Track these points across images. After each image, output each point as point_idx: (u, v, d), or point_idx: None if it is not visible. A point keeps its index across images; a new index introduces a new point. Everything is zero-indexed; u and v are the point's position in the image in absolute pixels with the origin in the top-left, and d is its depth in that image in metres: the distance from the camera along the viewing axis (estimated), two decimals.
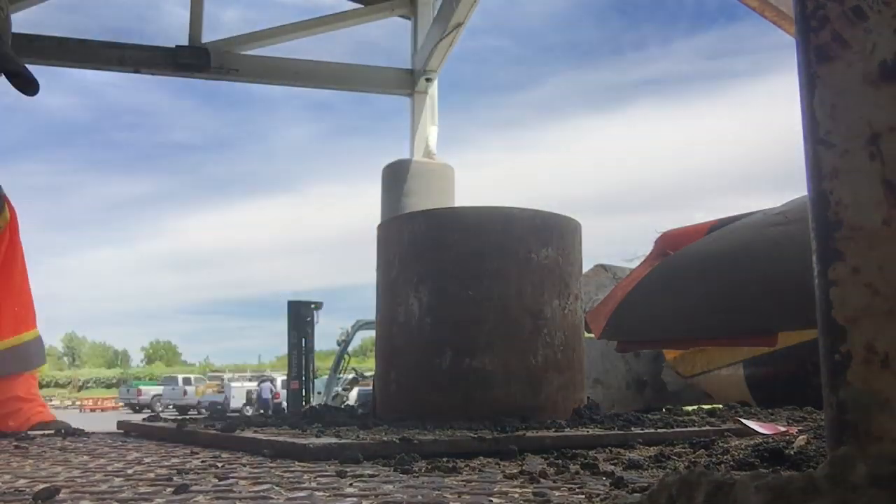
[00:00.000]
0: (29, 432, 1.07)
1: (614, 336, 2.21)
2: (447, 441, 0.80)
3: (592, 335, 2.27)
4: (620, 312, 2.12)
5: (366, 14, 4.57)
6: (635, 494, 0.52)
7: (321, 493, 0.56)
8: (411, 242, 1.07)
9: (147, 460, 0.77)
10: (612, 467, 0.70)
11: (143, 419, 1.28)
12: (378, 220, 1.32)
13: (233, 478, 0.63)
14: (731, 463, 0.71)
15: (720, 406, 1.47)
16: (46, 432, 1.11)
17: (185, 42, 3.61)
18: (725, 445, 0.85)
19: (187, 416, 1.47)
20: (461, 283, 1.03)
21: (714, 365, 2.45)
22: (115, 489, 0.59)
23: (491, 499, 0.54)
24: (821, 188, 0.43)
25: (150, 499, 0.54)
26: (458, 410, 1.01)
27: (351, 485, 0.60)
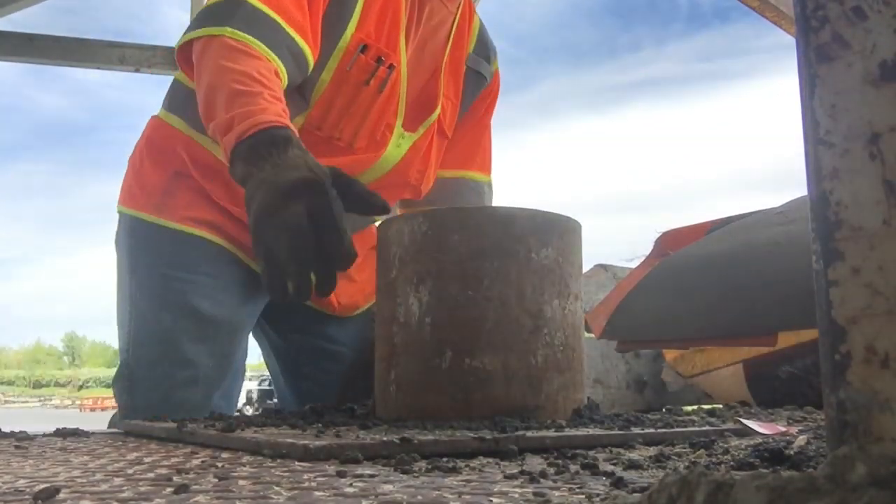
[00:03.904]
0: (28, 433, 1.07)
1: (614, 336, 2.21)
2: (447, 441, 0.80)
3: (592, 335, 2.27)
4: (620, 312, 2.11)
5: None
6: (635, 494, 0.52)
7: (321, 493, 0.56)
8: (411, 242, 1.07)
9: (147, 460, 0.77)
10: (612, 467, 0.70)
11: (143, 419, 1.28)
12: (378, 220, 1.31)
13: (233, 478, 0.63)
14: (731, 463, 0.71)
15: (720, 406, 1.47)
16: (47, 432, 1.11)
17: None
18: (725, 445, 0.85)
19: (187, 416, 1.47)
20: (461, 283, 1.03)
21: (714, 365, 2.45)
22: (116, 489, 0.59)
23: (491, 499, 0.54)
24: (821, 188, 0.43)
25: (150, 498, 0.54)
26: (458, 410, 1.00)
27: (351, 485, 0.60)
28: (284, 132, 1.15)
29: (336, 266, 1.06)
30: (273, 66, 1.31)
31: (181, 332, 1.48)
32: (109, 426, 1.45)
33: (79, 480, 0.63)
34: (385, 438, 0.80)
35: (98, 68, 3.66)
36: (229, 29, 1.29)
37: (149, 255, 1.54)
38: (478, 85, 1.75)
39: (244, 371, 1.64)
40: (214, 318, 1.50)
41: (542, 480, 0.62)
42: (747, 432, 0.98)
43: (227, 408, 1.54)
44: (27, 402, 51.41)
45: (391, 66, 1.50)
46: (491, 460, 0.77)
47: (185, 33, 1.40)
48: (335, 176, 1.11)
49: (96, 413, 34.32)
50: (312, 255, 1.03)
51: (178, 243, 1.52)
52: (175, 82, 1.62)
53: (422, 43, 1.59)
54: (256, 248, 1.08)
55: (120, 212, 1.61)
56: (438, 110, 1.60)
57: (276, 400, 1.86)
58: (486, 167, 1.82)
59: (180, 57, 1.44)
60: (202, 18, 1.37)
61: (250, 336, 1.71)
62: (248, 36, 1.29)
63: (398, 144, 1.56)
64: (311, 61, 1.41)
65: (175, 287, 1.50)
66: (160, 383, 1.46)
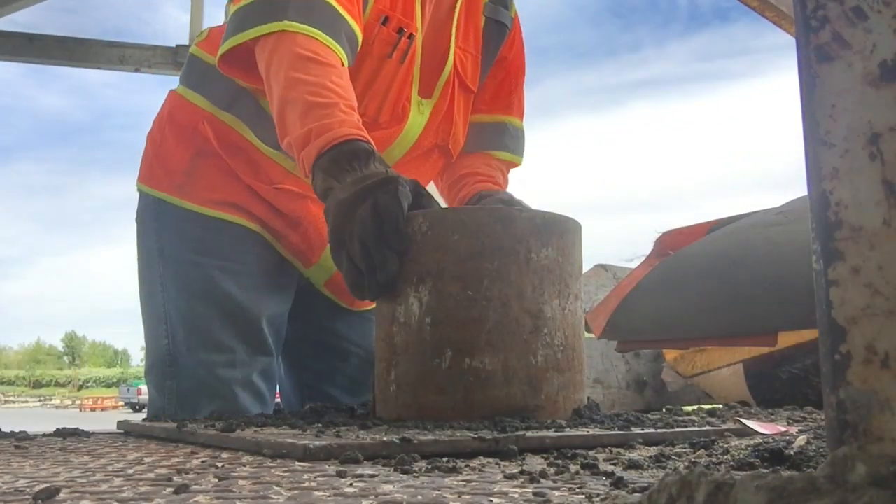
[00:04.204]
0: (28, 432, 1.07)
1: (614, 336, 2.21)
2: (447, 441, 0.80)
3: (592, 335, 2.27)
4: (620, 312, 2.12)
5: None
6: (635, 494, 0.52)
7: (321, 493, 0.56)
8: (411, 242, 1.07)
9: (147, 460, 0.77)
10: (612, 467, 0.70)
11: (143, 419, 1.28)
12: None
13: (233, 478, 0.63)
14: (731, 463, 0.71)
15: (720, 406, 1.47)
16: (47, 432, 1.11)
17: (185, 42, 3.60)
18: (725, 445, 0.85)
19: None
20: (461, 283, 1.03)
21: (714, 365, 2.46)
22: (116, 489, 0.59)
23: (491, 499, 0.54)
24: (821, 188, 0.43)
25: (150, 498, 0.54)
26: (458, 411, 1.00)
27: (351, 485, 0.60)
28: (365, 145, 1.14)
29: (393, 252, 1.06)
30: (344, 72, 1.27)
31: (213, 319, 1.48)
32: (148, 418, 1.45)
33: (79, 480, 0.63)
34: (385, 438, 0.80)
35: (98, 68, 3.66)
36: (287, 22, 1.24)
37: (176, 240, 1.52)
38: (500, 34, 1.71)
39: (279, 349, 1.62)
40: (243, 303, 1.49)
41: (542, 480, 0.62)
42: (747, 432, 0.98)
43: (268, 386, 1.54)
44: (27, 401, 51.43)
45: (411, 36, 1.47)
46: (491, 460, 0.77)
47: (228, 37, 1.32)
48: (415, 188, 1.12)
49: (96, 413, 34.31)
50: (376, 246, 1.05)
51: (204, 228, 1.50)
52: (192, 57, 1.58)
53: (437, 4, 1.56)
54: (336, 257, 1.10)
55: (140, 190, 1.58)
56: (449, 68, 1.56)
57: (276, 400, 1.85)
58: (521, 113, 1.79)
59: (225, 62, 1.36)
60: (250, 16, 1.29)
61: None
62: (309, 27, 1.25)
63: (421, 112, 1.54)
64: (360, 44, 1.37)
65: (203, 273, 1.49)
66: (201, 367, 1.47)
